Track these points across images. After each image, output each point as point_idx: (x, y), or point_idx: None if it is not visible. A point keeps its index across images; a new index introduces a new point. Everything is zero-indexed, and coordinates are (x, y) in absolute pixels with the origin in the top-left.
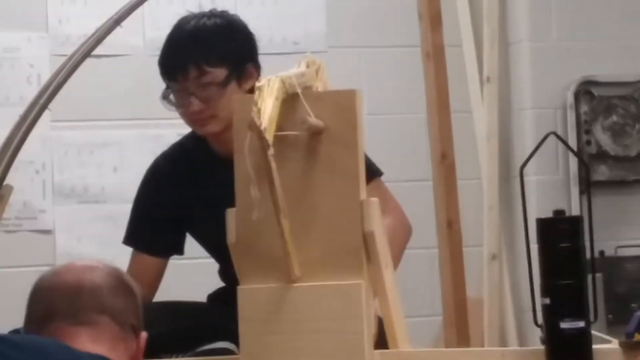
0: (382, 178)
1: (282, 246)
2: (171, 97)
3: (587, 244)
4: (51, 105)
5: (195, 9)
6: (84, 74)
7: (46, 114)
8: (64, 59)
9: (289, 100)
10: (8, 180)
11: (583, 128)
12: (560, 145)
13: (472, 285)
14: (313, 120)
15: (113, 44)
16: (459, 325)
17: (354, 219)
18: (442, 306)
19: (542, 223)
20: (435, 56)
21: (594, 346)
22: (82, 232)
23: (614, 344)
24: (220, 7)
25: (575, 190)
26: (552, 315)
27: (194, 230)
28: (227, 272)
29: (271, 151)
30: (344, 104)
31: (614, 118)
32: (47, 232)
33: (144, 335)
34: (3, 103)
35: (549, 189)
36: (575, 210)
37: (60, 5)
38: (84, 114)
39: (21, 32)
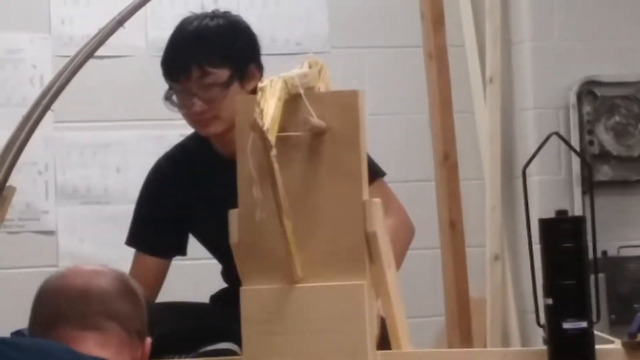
0: (385, 178)
1: (284, 247)
2: (174, 97)
3: (590, 244)
4: (54, 106)
5: (197, 10)
6: (86, 74)
7: (49, 115)
8: (66, 59)
9: (292, 101)
10: (11, 181)
11: (586, 128)
12: (563, 145)
13: (474, 285)
14: (315, 120)
15: (116, 45)
16: (461, 325)
17: (356, 220)
18: (444, 306)
19: (544, 223)
20: (438, 56)
21: (597, 346)
22: (84, 233)
23: (616, 344)
24: (222, 7)
25: (577, 191)
26: (554, 315)
27: (196, 231)
28: (230, 273)
29: (274, 152)
30: (346, 104)
31: (617, 118)
32: (49, 233)
33: (148, 341)
34: (6, 104)
35: (552, 189)
36: (577, 211)
37: (63, 6)
38: (86, 115)
39: (24, 33)
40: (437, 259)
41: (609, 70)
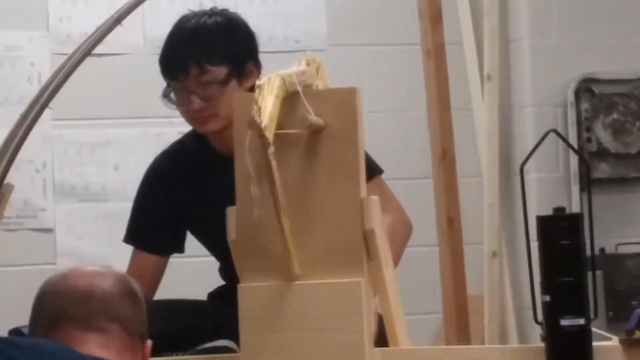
0: (383, 176)
1: (282, 244)
2: (172, 95)
3: (588, 241)
4: (52, 104)
5: (195, 8)
6: (84, 72)
7: (47, 113)
8: (64, 57)
9: (290, 99)
10: (9, 179)
11: (583, 125)
12: (561, 142)
13: (472, 282)
14: (313, 118)
15: (114, 43)
16: (459, 322)
17: (354, 217)
18: (442, 304)
19: (542, 220)
20: (436, 54)
21: (594, 343)
22: (82, 230)
23: (614, 341)
24: (220, 5)
25: (575, 188)
26: (552, 312)
27: (194, 228)
28: (228, 270)
29: (271, 149)
30: (344, 102)
31: (615, 115)
32: (47, 230)
33: (149, 343)
34: (4, 102)
35: (550, 186)
36: (575, 208)
37: (61, 4)
38: (84, 113)
39: (22, 31)
40: (435, 256)
41: (607, 67)
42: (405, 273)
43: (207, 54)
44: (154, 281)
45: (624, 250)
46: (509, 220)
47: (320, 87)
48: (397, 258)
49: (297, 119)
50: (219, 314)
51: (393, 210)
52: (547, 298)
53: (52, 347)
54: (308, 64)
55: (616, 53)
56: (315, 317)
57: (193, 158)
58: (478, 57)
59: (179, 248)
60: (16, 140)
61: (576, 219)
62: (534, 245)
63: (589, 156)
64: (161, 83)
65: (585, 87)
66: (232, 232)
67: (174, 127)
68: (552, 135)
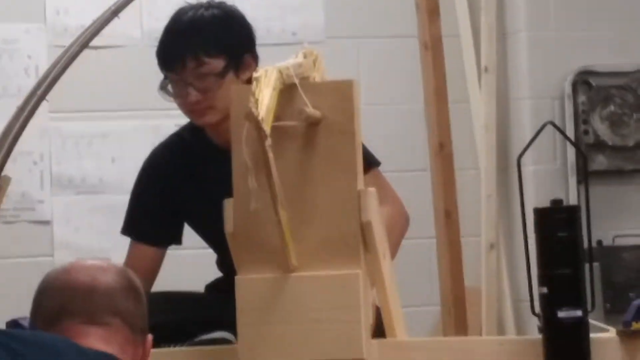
0: (380, 168)
1: (279, 236)
2: (169, 87)
3: (585, 233)
4: (49, 96)
5: (192, 0)
6: (82, 65)
7: (44, 105)
8: (62, 50)
9: (287, 91)
10: (6, 171)
11: (581, 118)
12: (558, 135)
13: (470, 274)
14: (310, 110)
15: (111, 35)
16: (456, 314)
17: (351, 209)
18: (439, 296)
19: (539, 213)
20: (433, 46)
21: (592, 335)
22: (80, 222)
23: (611, 333)
24: None
25: (572, 180)
26: (549, 304)
27: (191, 220)
28: (225, 262)
29: (269, 142)
30: (341, 94)
31: (612, 108)
32: (45, 222)
33: (150, 338)
34: (1, 94)
35: (547, 178)
36: (572, 200)
37: None
38: (82, 105)
39: (19, 23)
40: (433, 248)
41: (604, 60)
42: (402, 265)
43: (204, 46)
44: (152, 273)
45: (621, 242)
46: (506, 212)
47: (318, 79)
48: (394, 250)
49: (295, 112)
50: (216, 306)
51: (390, 202)
52: (545, 290)
53: (53, 340)
54: (305, 57)
55: (613, 46)
56: (312, 309)
57: (190, 150)
58: (475, 49)
59: (177, 240)
60: (13, 132)
61: (573, 211)
62: (532, 237)
63: (586, 148)
64: (158, 75)
65: (583, 80)
66: (229, 224)
67: (172, 119)
68: (549, 128)
